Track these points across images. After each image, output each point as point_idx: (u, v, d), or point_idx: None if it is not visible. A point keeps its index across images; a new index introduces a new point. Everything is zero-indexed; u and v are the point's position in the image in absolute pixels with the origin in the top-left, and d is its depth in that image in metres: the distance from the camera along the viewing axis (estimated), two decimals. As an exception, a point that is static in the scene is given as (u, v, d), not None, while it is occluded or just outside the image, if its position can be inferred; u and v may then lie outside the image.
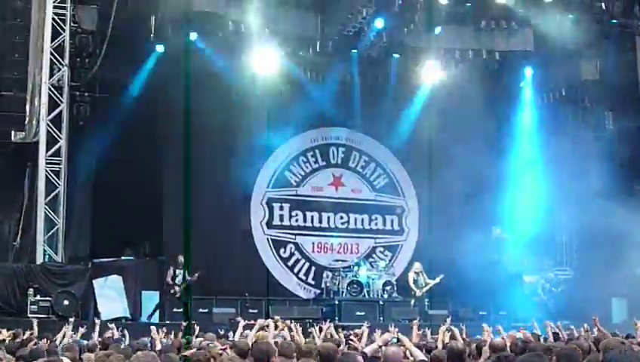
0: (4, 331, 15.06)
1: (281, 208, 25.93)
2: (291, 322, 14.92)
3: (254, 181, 25.32)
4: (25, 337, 13.85)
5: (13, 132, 22.76)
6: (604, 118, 26.55)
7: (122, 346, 11.35)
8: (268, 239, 25.55)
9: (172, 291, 21.42)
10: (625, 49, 24.93)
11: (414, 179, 26.83)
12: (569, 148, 26.68)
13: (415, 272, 23.46)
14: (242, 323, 13.34)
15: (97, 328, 15.34)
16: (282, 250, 25.68)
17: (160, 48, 23.39)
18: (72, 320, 17.10)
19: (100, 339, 13.66)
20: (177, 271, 21.50)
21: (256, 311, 21.91)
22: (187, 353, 9.36)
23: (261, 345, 8.35)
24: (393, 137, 25.81)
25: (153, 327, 15.01)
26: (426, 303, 23.21)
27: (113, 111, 22.70)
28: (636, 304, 22.31)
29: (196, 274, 21.33)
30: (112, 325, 15.68)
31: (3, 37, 21.99)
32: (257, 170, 25.34)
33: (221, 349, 9.69)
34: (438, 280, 23.05)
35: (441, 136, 25.46)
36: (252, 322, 13.37)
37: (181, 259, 21.55)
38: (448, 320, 14.93)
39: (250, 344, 9.38)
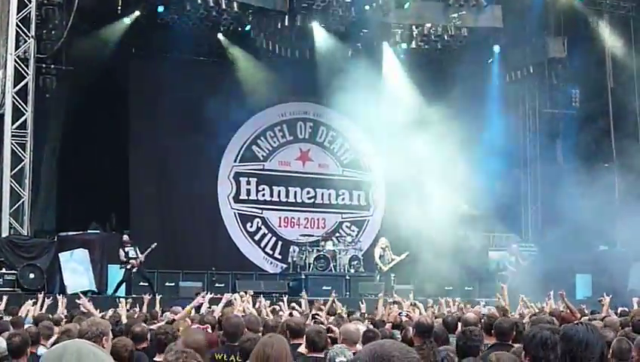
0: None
1: (248, 182, 25.93)
2: (258, 296, 14.95)
3: (222, 155, 25.27)
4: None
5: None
6: (570, 95, 26.74)
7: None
8: (235, 213, 25.55)
9: (129, 266, 21.19)
10: (591, 28, 25.12)
11: (381, 154, 26.85)
12: (535, 125, 26.86)
13: (381, 248, 23.52)
14: (207, 296, 13.31)
15: (63, 301, 15.25)
16: (249, 225, 25.70)
17: (127, 20, 23.21)
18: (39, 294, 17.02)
19: (65, 313, 13.61)
20: (127, 249, 21.27)
21: (222, 285, 21.94)
22: (154, 326, 9.35)
23: (233, 319, 8.35)
24: (361, 112, 25.82)
25: (122, 300, 14.97)
26: (392, 278, 23.32)
27: (79, 83, 22.53)
28: (600, 280, 22.59)
29: (151, 247, 21.11)
30: (83, 297, 15.58)
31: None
32: (225, 145, 25.29)
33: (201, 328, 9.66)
34: (403, 256, 23.12)
35: (409, 111, 25.47)
36: (219, 296, 13.39)
37: (125, 237, 21.39)
38: (411, 295, 15.00)
39: (217, 318, 9.39)
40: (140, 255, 21.08)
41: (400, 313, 12.83)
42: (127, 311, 13.19)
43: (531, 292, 17.31)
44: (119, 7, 22.84)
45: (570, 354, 4.48)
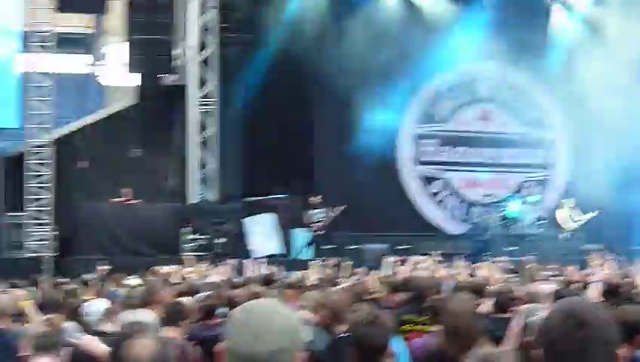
0: (166, 268, 15.58)
1: (430, 144, 25.74)
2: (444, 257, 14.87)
3: (403, 117, 25.16)
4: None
5: (164, 75, 23.38)
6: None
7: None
8: (417, 175, 25.45)
9: (315, 229, 21.52)
10: None
11: (565, 111, 26.09)
12: None
13: (568, 207, 22.95)
14: (393, 259, 13.36)
15: (251, 265, 15.67)
16: (431, 186, 25.56)
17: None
18: (227, 258, 17.56)
19: (250, 276, 13.96)
20: (313, 212, 21.56)
21: (406, 247, 21.92)
22: (344, 285, 9.48)
23: (419, 280, 8.34)
24: (543, 69, 25.12)
25: (313, 263, 15.22)
26: (579, 238, 22.67)
27: (263, 50, 22.91)
28: None
29: (338, 209, 21.32)
30: (264, 260, 15.98)
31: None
32: (406, 107, 25.16)
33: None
34: (592, 214, 22.45)
35: (594, 67, 24.57)
36: (404, 258, 13.40)
37: (313, 199, 21.64)
38: (602, 254, 14.51)
39: (403, 279, 9.40)
40: (326, 217, 21.36)
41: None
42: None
43: None
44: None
45: None
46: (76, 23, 36.94)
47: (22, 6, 22.56)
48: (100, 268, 14.89)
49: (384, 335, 5.04)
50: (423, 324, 7.38)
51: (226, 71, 22.92)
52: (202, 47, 22.08)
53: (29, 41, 22.24)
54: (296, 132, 23.24)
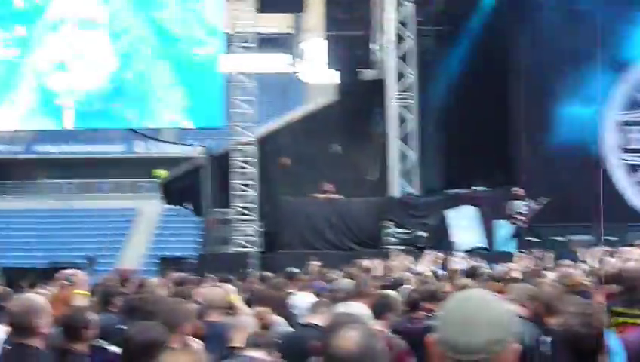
0: (369, 261, 15.69)
1: (636, 130, 24.72)
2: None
3: (604, 104, 24.30)
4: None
5: (363, 70, 23.59)
6: None
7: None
8: (622, 164, 24.51)
9: (519, 221, 21.12)
10: None
11: None
12: None
13: None
14: (599, 250, 12.92)
15: (454, 258, 15.57)
16: (637, 175, 24.54)
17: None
18: (428, 251, 17.51)
19: (453, 269, 13.85)
20: (516, 203, 21.17)
21: (615, 238, 21.17)
22: (551, 277, 9.25)
23: (634, 272, 8.00)
24: None
25: (517, 255, 14.97)
26: None
27: (459, 43, 22.72)
28: None
29: (542, 201, 20.84)
30: (464, 254, 15.82)
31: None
32: (607, 93, 24.27)
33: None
34: None
35: None
36: (612, 249, 12.95)
37: (516, 190, 21.21)
38: None
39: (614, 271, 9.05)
40: (529, 209, 20.94)
41: None
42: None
43: None
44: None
45: None
46: (276, 22, 37.89)
47: (224, 8, 23.30)
48: (313, 263, 15.14)
49: (598, 329, 4.86)
50: (637, 317, 7.07)
51: (424, 64, 22.87)
52: (399, 41, 22.10)
53: (231, 42, 22.95)
54: (495, 123, 22.88)
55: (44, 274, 16.72)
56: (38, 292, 9.25)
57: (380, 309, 7.18)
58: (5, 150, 41.20)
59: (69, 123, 24.01)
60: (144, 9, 23.53)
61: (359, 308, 6.20)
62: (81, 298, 7.89)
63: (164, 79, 23.12)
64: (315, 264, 14.96)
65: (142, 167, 40.07)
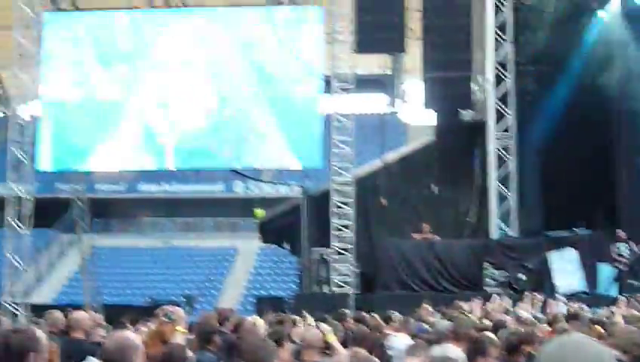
0: (468, 303, 15.53)
1: None
2: None
3: None
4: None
5: (461, 111, 23.52)
6: None
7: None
8: None
9: (621, 264, 20.64)
10: None
11: None
12: None
13: None
14: None
15: (555, 302, 15.30)
16: None
17: (602, 14, 22.68)
18: (527, 293, 17.28)
19: (554, 313, 13.59)
20: (619, 246, 20.68)
21: None
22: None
23: None
24: None
25: (620, 299, 14.60)
26: None
27: (559, 82, 22.46)
28: None
29: None
30: (564, 298, 15.52)
31: (446, 19, 22.65)
32: None
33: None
34: None
35: None
36: None
37: (619, 232, 20.72)
38: None
39: None
40: (631, 252, 20.45)
41: None
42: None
43: None
44: (593, 1, 22.43)
45: None
46: (374, 63, 38.09)
47: (323, 49, 23.55)
48: (424, 305, 14.95)
49: None
50: None
51: (523, 104, 22.66)
52: (498, 81, 21.98)
53: (330, 82, 23.14)
54: (596, 164, 22.47)
55: (144, 312, 17.00)
56: (138, 329, 9.40)
57: (478, 352, 7.08)
58: (109, 189, 42.14)
59: (170, 163, 24.49)
60: (243, 50, 23.95)
61: (456, 351, 6.12)
62: (179, 335, 7.98)
63: (263, 119, 23.42)
64: (426, 306, 14.73)
65: (241, 206, 40.49)
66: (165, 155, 24.12)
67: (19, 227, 24.38)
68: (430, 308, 14.16)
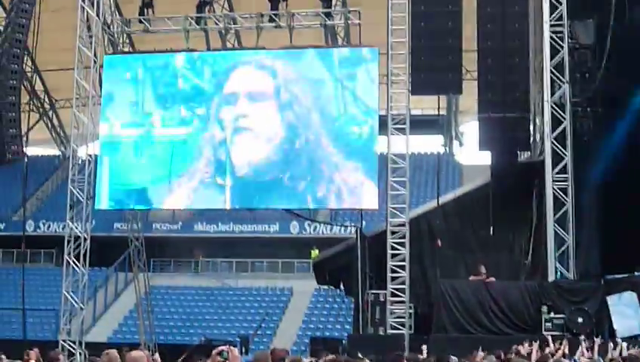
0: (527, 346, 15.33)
1: None
2: None
3: None
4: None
5: (518, 152, 23.38)
6: None
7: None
8: None
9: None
10: None
11: None
12: None
13: None
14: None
15: (614, 345, 15.03)
16: None
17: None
18: (585, 337, 17.02)
19: (613, 357, 13.37)
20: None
21: None
22: None
23: None
24: None
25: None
26: None
27: (617, 123, 22.25)
28: None
29: None
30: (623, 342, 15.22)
31: (503, 60, 22.61)
32: None
33: None
34: None
35: None
36: None
37: None
38: None
39: None
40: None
41: None
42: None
43: None
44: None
45: None
46: (429, 104, 38.10)
47: (379, 89, 23.64)
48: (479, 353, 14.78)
49: None
50: None
51: (580, 145, 22.46)
52: (555, 122, 21.82)
53: (385, 123, 23.16)
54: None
55: (199, 351, 17.05)
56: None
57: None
58: (165, 228, 42.45)
59: (230, 201, 24.58)
60: (303, 83, 24.20)
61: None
62: (234, 375, 7.96)
63: (323, 157, 23.55)
64: (480, 354, 14.54)
65: (296, 246, 40.53)
66: (225, 194, 24.28)
67: (76, 266, 24.66)
68: (483, 355, 13.99)
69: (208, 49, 29.14)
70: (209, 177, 24.21)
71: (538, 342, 16.21)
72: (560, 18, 21.90)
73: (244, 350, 27.77)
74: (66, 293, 24.58)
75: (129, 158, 24.90)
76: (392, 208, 22.81)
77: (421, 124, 31.16)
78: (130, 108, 25.04)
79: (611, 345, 15.49)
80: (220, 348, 7.83)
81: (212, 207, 27.94)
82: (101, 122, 25.23)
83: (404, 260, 22.34)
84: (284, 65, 24.38)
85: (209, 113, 24.48)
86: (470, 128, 43.38)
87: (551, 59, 21.80)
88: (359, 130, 23.39)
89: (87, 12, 25.69)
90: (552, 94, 21.86)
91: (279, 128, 24.00)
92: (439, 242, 22.92)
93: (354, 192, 23.31)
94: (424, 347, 14.99)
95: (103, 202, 25.13)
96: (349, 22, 25.22)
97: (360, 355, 12.89)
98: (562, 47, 21.89)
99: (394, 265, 22.35)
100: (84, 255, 24.78)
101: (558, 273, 21.32)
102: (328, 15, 25.48)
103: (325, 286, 31.18)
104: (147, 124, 24.87)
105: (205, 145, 24.31)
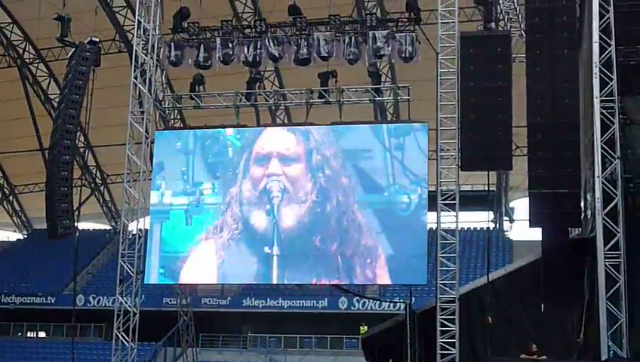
0: None
1: None
2: None
3: None
4: None
5: (570, 228, 23.14)
6: None
7: None
8: None
9: None
10: None
11: None
12: None
13: None
14: None
15: None
16: None
17: None
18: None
19: None
20: None
21: None
22: None
23: None
24: None
25: None
26: None
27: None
28: None
29: None
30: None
31: (553, 136, 22.47)
32: None
33: None
34: None
35: None
36: None
37: None
38: None
39: None
40: None
41: None
42: None
43: None
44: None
45: None
46: (478, 180, 37.94)
47: (428, 164, 23.68)
48: None
49: None
50: None
51: (633, 221, 22.15)
52: (606, 198, 21.59)
53: (435, 198, 23.11)
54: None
55: None
56: None
57: None
58: (214, 303, 42.49)
59: (274, 276, 24.56)
60: (345, 154, 24.36)
61: None
62: None
63: (367, 229, 23.54)
64: None
65: (345, 322, 40.30)
66: (271, 267, 24.32)
67: (125, 340, 24.70)
68: None
69: (258, 125, 29.46)
70: (255, 249, 24.37)
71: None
72: (610, 93, 21.78)
73: None
74: (116, 368, 24.63)
75: (180, 226, 25.13)
76: (442, 284, 22.63)
77: (471, 200, 30.94)
78: (182, 177, 25.36)
79: None
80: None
81: (260, 283, 27.89)
82: (152, 191, 25.52)
83: (453, 337, 22.09)
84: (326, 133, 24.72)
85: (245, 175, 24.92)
86: (520, 204, 43.13)
87: (602, 135, 21.66)
88: (407, 206, 23.36)
89: (140, 88, 26.16)
90: (603, 170, 21.66)
91: (311, 195, 24.13)
92: (489, 318, 22.63)
93: (400, 268, 23.19)
94: None
95: (153, 276, 25.26)
96: (398, 98, 25.38)
97: None
98: (613, 122, 21.76)
99: (443, 342, 22.10)
100: (133, 329, 24.85)
101: (611, 351, 20.86)
102: (377, 91, 25.69)
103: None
104: (197, 193, 25.13)
105: (247, 218, 24.58)
